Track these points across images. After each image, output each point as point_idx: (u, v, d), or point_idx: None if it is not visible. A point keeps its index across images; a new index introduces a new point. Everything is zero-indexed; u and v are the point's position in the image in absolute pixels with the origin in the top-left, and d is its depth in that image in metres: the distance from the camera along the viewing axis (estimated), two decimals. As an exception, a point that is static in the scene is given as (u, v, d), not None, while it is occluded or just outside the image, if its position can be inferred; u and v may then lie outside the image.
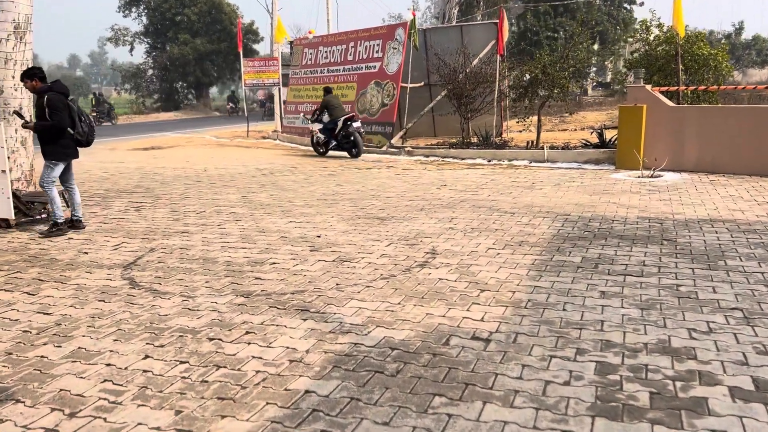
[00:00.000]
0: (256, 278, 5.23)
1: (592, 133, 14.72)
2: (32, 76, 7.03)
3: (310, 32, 21.42)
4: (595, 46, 42.39)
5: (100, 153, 17.62)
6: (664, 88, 11.37)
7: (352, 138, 14.58)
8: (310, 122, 15.96)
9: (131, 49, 48.68)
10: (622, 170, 10.99)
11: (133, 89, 48.96)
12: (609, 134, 13.30)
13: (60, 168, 7.18)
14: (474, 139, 15.56)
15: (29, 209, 7.82)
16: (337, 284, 4.98)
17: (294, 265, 5.58)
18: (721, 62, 12.49)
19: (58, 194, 7.23)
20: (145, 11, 47.93)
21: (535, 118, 14.54)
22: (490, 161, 13.25)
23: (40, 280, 5.36)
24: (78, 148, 7.37)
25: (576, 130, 20.13)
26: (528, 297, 4.53)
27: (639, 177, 10.24)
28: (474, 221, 7.21)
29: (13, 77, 7.99)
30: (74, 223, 7.40)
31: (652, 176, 10.18)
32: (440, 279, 5.03)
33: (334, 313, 4.31)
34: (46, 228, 7.27)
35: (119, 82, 51.85)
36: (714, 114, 10.44)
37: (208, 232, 7.12)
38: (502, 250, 5.89)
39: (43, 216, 7.96)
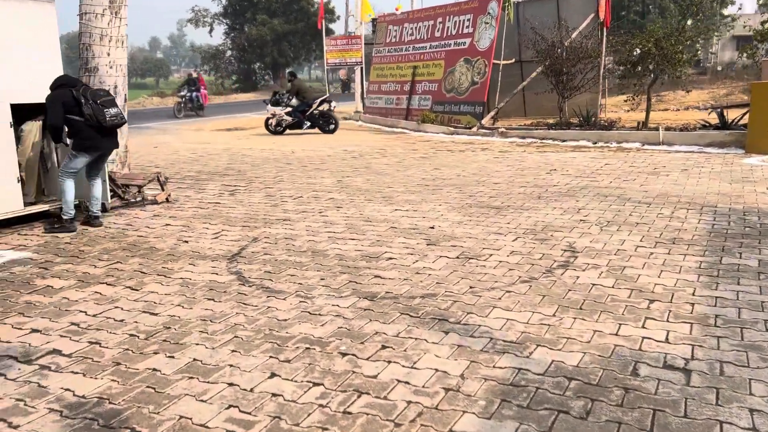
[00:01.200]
0: (376, 276, 4.63)
1: (709, 113, 13.44)
2: None
3: (397, 8, 20.70)
4: (689, 22, 39.82)
5: (186, 133, 17.56)
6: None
7: (330, 117, 16.54)
8: (268, 105, 16.81)
9: (210, 30, 49.33)
10: (755, 155, 9.83)
11: (212, 70, 49.64)
12: (731, 115, 12.05)
13: (81, 160, 6.34)
14: (573, 120, 14.52)
15: (125, 192, 7.51)
16: (470, 287, 4.32)
17: (414, 262, 4.96)
18: None
19: (71, 187, 6.35)
20: (225, -8, 48.34)
21: (643, 96, 13.40)
22: (595, 143, 12.26)
23: (141, 272, 4.95)
24: (111, 138, 6.47)
25: (678, 110, 18.71)
26: (713, 312, 3.74)
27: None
28: (606, 212, 6.39)
29: (108, 54, 7.67)
30: (90, 220, 6.58)
31: (790, 161, 9.02)
32: (593, 284, 4.29)
33: (479, 325, 3.66)
34: (51, 222, 6.57)
35: (199, 63, 52.61)
36: None
37: (311, 220, 6.60)
38: (654, 248, 5.08)
39: (138, 200, 7.65)
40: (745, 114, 11.92)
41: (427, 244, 5.47)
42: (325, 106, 16.46)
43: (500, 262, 4.87)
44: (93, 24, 7.56)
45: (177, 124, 21.19)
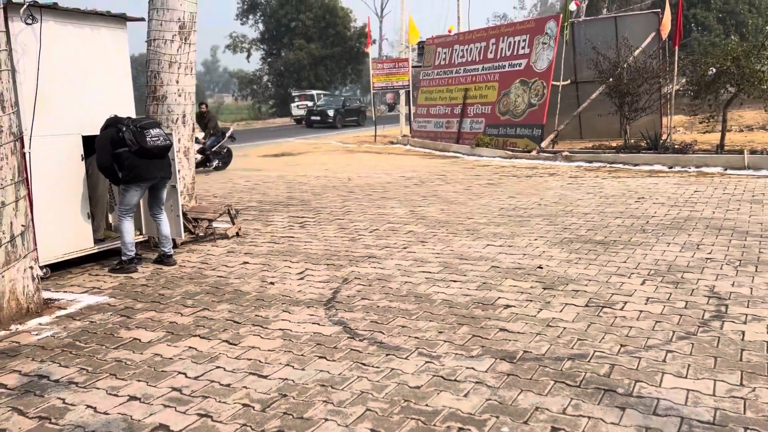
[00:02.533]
0: (501, 330, 4.07)
1: (794, 134, 12.64)
2: None
3: (450, 30, 20.31)
4: (734, 38, 38.85)
5: (234, 160, 17.27)
6: None
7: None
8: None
9: (248, 56, 49.65)
10: None
11: (249, 95, 49.93)
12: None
13: (133, 194, 5.86)
14: (639, 143, 13.84)
15: (196, 227, 7.09)
16: (621, 345, 3.73)
17: (538, 311, 4.39)
18: None
19: (129, 228, 5.90)
20: (262, 18, 48.76)
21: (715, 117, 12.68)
22: (671, 168, 11.56)
23: (234, 321, 4.46)
24: (160, 164, 5.96)
25: (742, 130, 17.86)
26: None
27: None
28: (730, 249, 5.75)
29: (177, 82, 7.31)
30: (162, 259, 6.14)
31: None
32: (766, 342, 3.67)
33: (657, 398, 3.07)
34: (116, 264, 6.00)
35: (236, 89, 53.00)
36: None
37: (398, 257, 6.07)
38: (816, 295, 4.43)
39: (209, 233, 7.22)
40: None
41: (544, 288, 4.89)
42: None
43: (640, 312, 4.27)
44: (162, 50, 7.21)
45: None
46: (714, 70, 11.99)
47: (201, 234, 7.18)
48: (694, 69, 12.74)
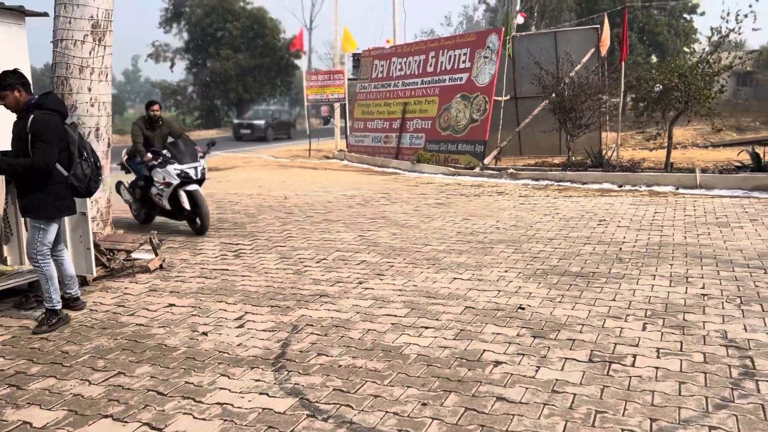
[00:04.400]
0: (498, 398, 3.30)
1: (739, 152, 12.61)
2: (9, 86, 4.47)
3: (388, 41, 19.67)
4: (654, 59, 40.16)
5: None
6: None
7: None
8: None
9: (172, 66, 47.69)
10: (815, 200, 8.88)
11: (173, 107, 47.88)
12: (763, 154, 11.20)
13: (54, 229, 4.71)
14: (581, 159, 13.54)
15: (111, 260, 6.02)
16: (652, 421, 3.02)
17: (536, 370, 3.64)
18: None
19: (56, 270, 4.74)
20: (186, 27, 46.94)
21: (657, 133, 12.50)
22: (621, 186, 11.22)
23: (159, 393, 3.50)
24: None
25: (677, 147, 17.99)
26: None
27: None
28: (724, 282, 5.20)
29: (90, 89, 6.24)
30: (69, 303, 4.99)
31: None
32: (825, 411, 3.04)
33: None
34: (40, 320, 4.69)
35: (159, 100, 50.78)
36: None
37: (355, 295, 5.23)
38: (844, 342, 3.88)
39: (127, 266, 6.16)
40: (783, 154, 11.10)
41: (533, 337, 4.16)
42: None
43: (656, 369, 3.59)
44: (71, 53, 6.13)
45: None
46: (660, 87, 11.78)
47: (117, 267, 6.11)
48: (639, 85, 12.51)
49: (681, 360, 3.69)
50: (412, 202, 10.38)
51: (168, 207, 8.04)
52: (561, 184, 12.02)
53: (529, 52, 15.24)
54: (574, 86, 13.55)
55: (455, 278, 5.64)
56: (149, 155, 7.81)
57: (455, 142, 15.33)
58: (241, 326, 4.58)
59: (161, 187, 7.87)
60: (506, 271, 5.81)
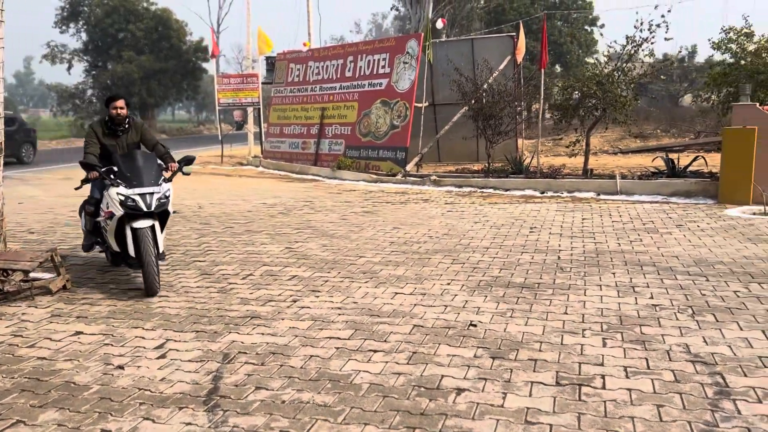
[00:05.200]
0: (469, 432, 2.94)
1: (654, 159, 12.97)
2: None
3: (305, 44, 19.12)
4: (558, 68, 41.66)
5: (55, 185, 14.76)
6: (780, 107, 9.68)
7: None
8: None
9: (69, 68, 44.92)
10: (730, 205, 9.16)
11: (70, 111, 45.15)
12: (676, 160, 11.56)
13: None
14: (503, 166, 13.57)
15: (5, 282, 5.24)
16: (639, 450, 2.75)
17: (502, 397, 3.32)
18: None
19: None
20: (85, 27, 44.42)
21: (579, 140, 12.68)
22: (543, 193, 11.27)
23: (68, 448, 2.92)
24: None
25: (595, 154, 18.50)
26: None
27: (762, 214, 8.43)
28: (671, 291, 5.10)
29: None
30: None
31: (781, 213, 8.37)
32: (813, 432, 2.88)
33: None
34: None
35: (55, 104, 47.65)
36: None
37: (290, 315, 4.76)
38: (806, 352, 3.79)
39: (24, 288, 5.39)
40: (694, 160, 11.49)
41: (492, 358, 3.85)
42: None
43: (629, 391, 3.35)
44: (-47, 44, 5.32)
45: (38, 173, 18.05)
46: (579, 93, 11.95)
47: (12, 290, 5.34)
48: (558, 93, 12.66)
49: (652, 380, 3.47)
50: (337, 210, 9.96)
51: (115, 248, 5.58)
52: (484, 190, 11.96)
53: (448, 58, 15.17)
54: (494, 93, 13.57)
55: (397, 293, 5.27)
56: (94, 173, 5.48)
57: (376, 148, 15.04)
58: (162, 356, 4.02)
59: (104, 217, 5.52)
60: (449, 284, 5.50)
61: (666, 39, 11.97)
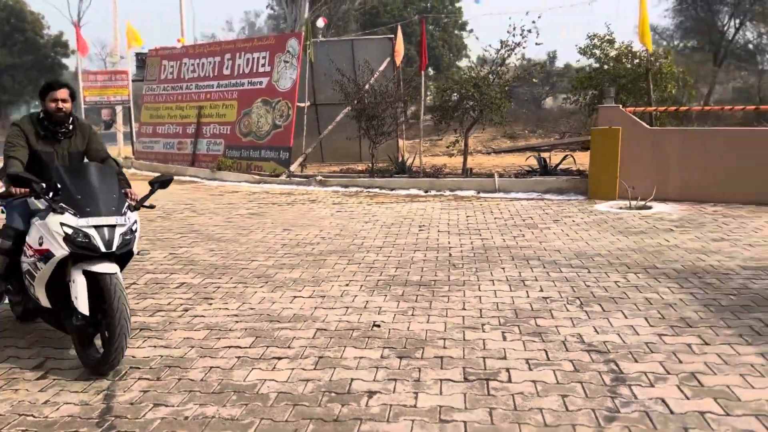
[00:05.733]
0: (386, 436, 2.90)
1: (527, 158, 13.61)
2: None
3: (179, 40, 18.28)
4: (431, 71, 42.89)
5: None
6: (640, 109, 10.46)
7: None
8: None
9: None
10: (599, 201, 9.80)
11: None
12: (548, 158, 12.23)
13: None
14: (387, 166, 13.73)
15: None
16: (551, 440, 2.84)
17: (413, 396, 3.32)
18: (688, 81, 11.96)
19: None
20: (-77, 15, 40.09)
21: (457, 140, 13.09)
22: (427, 192, 11.51)
23: (-62, 490, 2.56)
24: None
25: (456, 154, 19.16)
26: None
27: (628, 209, 9.08)
28: (558, 284, 5.35)
29: None
30: None
31: (642, 207, 9.05)
32: (703, 413, 3.10)
33: None
34: None
35: None
36: (700, 137, 9.66)
37: (182, 325, 4.50)
38: (688, 338, 4.09)
39: None
40: (564, 159, 12.18)
41: (399, 357, 3.84)
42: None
43: (534, 383, 3.45)
44: None
45: None
46: (457, 95, 12.32)
47: None
48: (440, 94, 12.98)
49: (553, 371, 3.60)
50: (221, 212, 9.61)
51: (42, 300, 3.89)
52: (370, 190, 12.02)
53: (329, 58, 15.11)
54: (375, 94, 13.67)
55: (295, 296, 5.14)
56: (22, 189, 3.88)
57: (258, 148, 14.70)
58: (43, 377, 3.66)
59: (32, 256, 3.83)
60: (347, 285, 5.45)
61: (537, 44, 12.64)
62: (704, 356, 3.74)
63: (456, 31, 45.51)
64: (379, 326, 4.40)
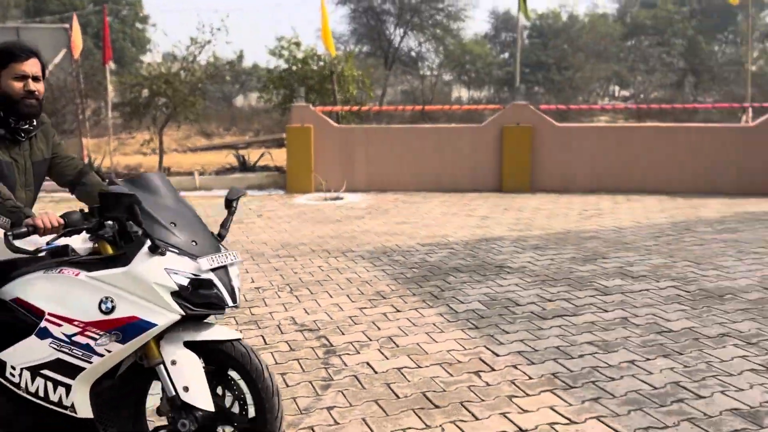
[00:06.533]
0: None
1: (226, 155, 13.63)
2: None
3: None
4: (112, 65, 40.27)
5: None
6: (328, 108, 11.20)
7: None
8: None
9: None
10: (298, 194, 10.36)
11: None
12: (246, 156, 12.50)
13: None
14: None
15: None
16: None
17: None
18: (366, 83, 13.01)
19: None
20: None
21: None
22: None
23: None
24: None
25: (149, 154, 18.48)
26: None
27: (325, 200, 9.80)
28: (266, 273, 5.60)
29: None
30: None
31: (336, 198, 9.86)
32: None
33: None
34: None
35: None
36: (379, 134, 10.77)
37: None
38: (389, 309, 4.65)
39: None
40: (261, 156, 12.56)
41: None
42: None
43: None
44: None
45: None
46: (148, 91, 11.87)
47: None
48: (126, 90, 12.33)
49: (272, 353, 3.84)
50: None
51: (81, 408, 2.31)
52: (54, 195, 10.91)
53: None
54: (53, 89, 12.43)
55: None
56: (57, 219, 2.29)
57: None
58: None
59: (81, 334, 2.28)
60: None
61: (227, 42, 12.79)
62: (398, 321, 4.33)
63: (138, 24, 43.21)
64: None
